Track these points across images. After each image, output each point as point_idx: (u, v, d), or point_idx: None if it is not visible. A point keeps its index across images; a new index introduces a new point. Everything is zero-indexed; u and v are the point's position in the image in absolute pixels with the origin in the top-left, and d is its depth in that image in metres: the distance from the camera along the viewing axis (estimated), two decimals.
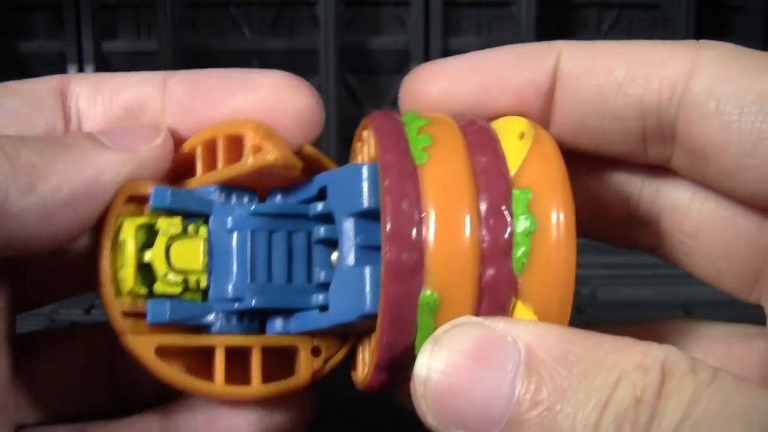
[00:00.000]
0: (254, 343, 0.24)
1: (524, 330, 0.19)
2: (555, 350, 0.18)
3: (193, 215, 0.24)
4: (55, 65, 0.56)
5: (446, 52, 0.55)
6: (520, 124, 0.23)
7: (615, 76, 0.22)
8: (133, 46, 0.56)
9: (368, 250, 0.22)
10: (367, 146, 0.24)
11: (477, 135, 0.22)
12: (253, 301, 0.23)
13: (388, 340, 0.21)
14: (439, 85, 0.24)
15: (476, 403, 0.18)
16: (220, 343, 0.23)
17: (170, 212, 0.24)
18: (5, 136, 0.22)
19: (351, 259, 0.22)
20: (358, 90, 0.56)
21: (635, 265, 0.47)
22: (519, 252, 0.21)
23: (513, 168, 0.22)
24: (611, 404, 0.17)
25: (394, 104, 0.56)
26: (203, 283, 0.23)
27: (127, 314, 0.23)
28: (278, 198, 0.25)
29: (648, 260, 0.45)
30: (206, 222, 0.24)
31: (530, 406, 0.18)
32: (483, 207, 0.21)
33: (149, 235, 0.24)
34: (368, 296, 0.21)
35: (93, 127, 0.26)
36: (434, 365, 0.19)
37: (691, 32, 0.54)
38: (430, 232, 0.20)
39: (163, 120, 0.25)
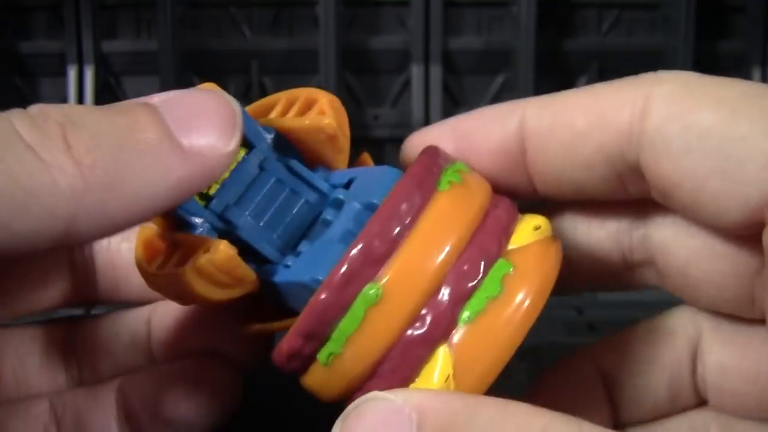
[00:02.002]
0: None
1: (418, 399, 0.19)
2: (440, 420, 0.19)
3: (244, 142, 0.24)
4: (55, 65, 0.56)
5: (446, 52, 0.55)
6: (541, 221, 0.23)
7: (576, 128, 0.23)
8: (133, 46, 0.56)
9: (354, 236, 0.22)
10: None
11: (501, 202, 0.23)
12: (239, 231, 0.24)
13: (318, 304, 0.21)
14: None
15: None
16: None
17: None
18: (79, 126, 0.19)
19: (335, 236, 0.23)
20: (358, 90, 0.56)
21: None
22: (472, 306, 0.21)
23: (513, 244, 0.22)
24: None
25: (393, 104, 0.56)
26: (211, 191, 0.24)
27: None
28: (317, 172, 0.25)
29: None
30: (249, 152, 0.25)
31: None
32: (467, 252, 0.22)
33: None
34: (328, 265, 0.22)
35: None
36: None
37: (691, 32, 0.54)
38: (409, 239, 0.21)
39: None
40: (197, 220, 0.24)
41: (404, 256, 0.21)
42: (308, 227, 0.25)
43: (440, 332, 0.21)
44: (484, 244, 0.22)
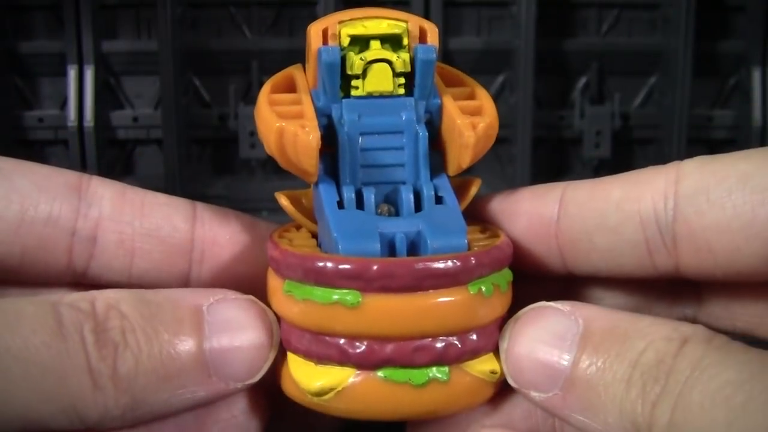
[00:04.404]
0: None
1: (584, 310, 0.23)
2: (605, 324, 0.23)
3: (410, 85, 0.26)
4: (55, 65, 0.56)
5: (446, 53, 0.55)
6: (498, 369, 0.25)
7: (612, 197, 0.25)
8: (133, 46, 0.56)
9: (386, 248, 0.24)
10: (490, 231, 0.27)
11: (491, 332, 0.25)
12: (340, 145, 0.25)
13: (318, 267, 0.23)
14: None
15: (544, 367, 0.23)
16: None
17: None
18: (129, 348, 0.22)
19: (385, 228, 0.24)
20: None
21: None
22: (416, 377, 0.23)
23: (467, 365, 0.24)
24: (639, 365, 0.21)
25: None
26: (355, 92, 0.26)
27: None
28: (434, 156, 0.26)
29: None
30: (407, 96, 0.26)
31: (582, 367, 0.22)
32: (431, 339, 0.23)
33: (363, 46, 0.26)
34: (355, 245, 0.23)
35: (113, 233, 0.26)
36: (515, 338, 0.24)
37: (690, 32, 0.54)
38: (401, 295, 0.23)
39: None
40: (335, 109, 0.26)
41: (438, 297, 0.23)
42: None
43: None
44: (447, 348, 0.23)
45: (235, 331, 0.24)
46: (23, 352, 0.21)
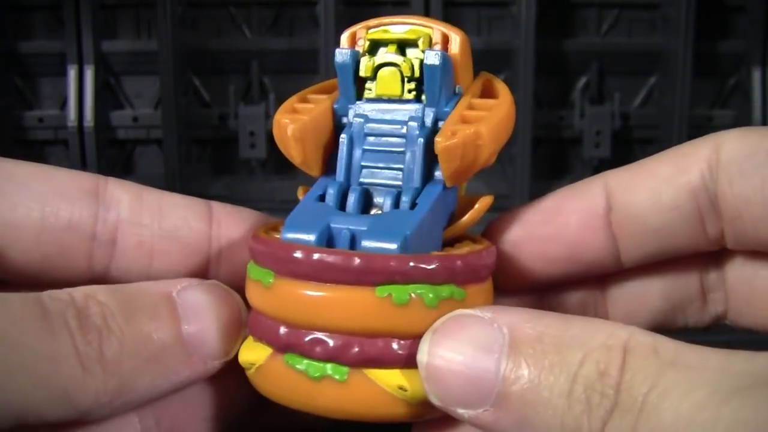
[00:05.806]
0: None
1: (508, 316, 0.21)
2: (533, 333, 0.21)
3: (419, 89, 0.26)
4: (55, 65, 0.56)
5: None
6: (408, 387, 0.24)
7: (661, 173, 0.26)
8: (133, 46, 0.56)
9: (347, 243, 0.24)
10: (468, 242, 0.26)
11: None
12: (344, 146, 0.26)
13: (278, 246, 0.24)
14: (515, 233, 0.28)
15: (470, 382, 0.21)
16: None
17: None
18: (112, 332, 0.23)
19: (351, 227, 0.24)
20: None
21: None
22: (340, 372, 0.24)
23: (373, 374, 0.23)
24: (579, 378, 0.20)
25: None
26: (367, 93, 0.26)
27: None
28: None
29: None
30: (418, 101, 0.26)
31: (513, 381, 0.20)
32: (359, 339, 0.23)
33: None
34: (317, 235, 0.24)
35: (132, 236, 0.26)
36: (433, 351, 0.22)
37: (690, 32, 0.54)
38: (342, 287, 0.23)
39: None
40: (348, 112, 0.26)
41: (337, 292, 0.22)
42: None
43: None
44: (344, 348, 0.23)
45: (206, 312, 0.25)
46: (17, 339, 0.21)
